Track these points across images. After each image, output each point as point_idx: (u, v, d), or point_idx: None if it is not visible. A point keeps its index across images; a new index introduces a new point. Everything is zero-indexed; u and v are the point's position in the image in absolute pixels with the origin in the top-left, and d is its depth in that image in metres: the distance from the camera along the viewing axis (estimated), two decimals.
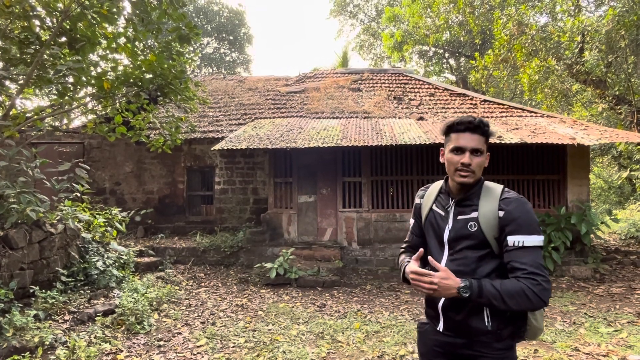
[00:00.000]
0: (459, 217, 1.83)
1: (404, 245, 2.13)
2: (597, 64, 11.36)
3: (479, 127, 1.78)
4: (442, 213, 1.89)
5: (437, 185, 2.01)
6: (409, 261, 1.87)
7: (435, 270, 1.70)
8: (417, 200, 2.07)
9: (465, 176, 1.78)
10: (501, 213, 1.73)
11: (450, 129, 1.83)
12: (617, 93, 11.58)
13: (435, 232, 1.90)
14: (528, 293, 1.60)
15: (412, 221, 2.10)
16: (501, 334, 1.76)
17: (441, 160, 1.91)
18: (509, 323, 1.77)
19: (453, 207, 1.86)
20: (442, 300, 1.81)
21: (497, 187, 1.83)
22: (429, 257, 1.74)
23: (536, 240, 1.68)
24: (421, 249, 1.84)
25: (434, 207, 1.94)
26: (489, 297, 1.64)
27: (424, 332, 1.96)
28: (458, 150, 1.79)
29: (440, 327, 1.86)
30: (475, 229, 1.77)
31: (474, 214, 1.79)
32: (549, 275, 7.69)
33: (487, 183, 1.86)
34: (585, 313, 5.63)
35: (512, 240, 1.69)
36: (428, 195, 2.01)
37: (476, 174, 1.79)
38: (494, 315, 1.74)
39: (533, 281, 1.62)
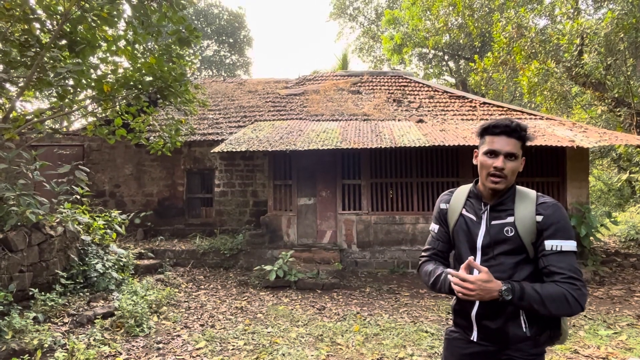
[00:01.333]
0: (494, 222, 1.78)
1: (426, 254, 2.00)
2: (596, 66, 11.39)
3: (516, 131, 1.73)
4: (474, 218, 1.84)
5: (464, 189, 1.94)
6: (445, 269, 1.82)
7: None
8: (442, 206, 1.97)
9: (497, 182, 1.73)
10: (539, 218, 1.70)
11: (486, 131, 1.79)
12: (616, 95, 11.60)
13: (467, 237, 1.84)
14: (568, 298, 1.59)
15: (435, 227, 1.99)
16: (539, 340, 1.74)
17: (474, 162, 1.87)
18: (545, 328, 1.75)
19: (487, 212, 1.81)
20: (475, 308, 1.77)
21: (531, 191, 1.81)
22: (470, 259, 1.67)
23: (572, 245, 1.67)
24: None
25: (464, 212, 1.87)
26: (529, 301, 1.60)
27: (453, 340, 1.91)
28: (492, 153, 1.74)
29: (474, 336, 1.80)
30: (512, 233, 1.73)
31: (510, 219, 1.75)
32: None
33: (520, 187, 1.83)
34: (584, 315, 5.63)
35: (550, 244, 1.67)
36: (455, 200, 1.93)
37: (508, 179, 1.74)
38: (531, 321, 1.72)
39: (573, 286, 1.61)
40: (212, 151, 8.20)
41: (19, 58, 6.43)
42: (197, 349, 4.51)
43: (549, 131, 8.27)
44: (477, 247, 1.79)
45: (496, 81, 15.86)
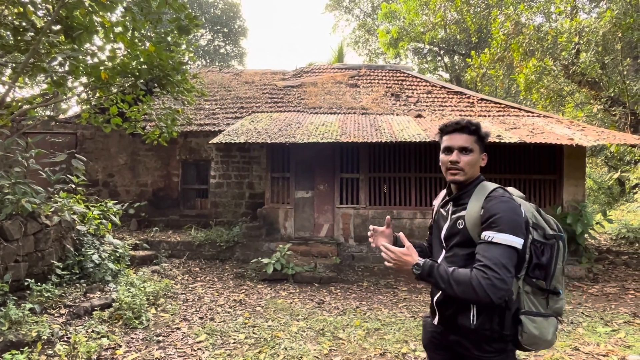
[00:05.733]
0: (453, 216, 1.90)
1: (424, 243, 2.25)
2: (593, 65, 11.44)
3: (467, 127, 1.87)
4: (444, 213, 1.98)
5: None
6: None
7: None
8: (434, 202, 2.18)
9: (455, 174, 1.86)
10: (482, 211, 1.75)
11: (442, 132, 1.95)
12: (611, 95, 11.67)
13: (437, 230, 1.99)
14: (474, 283, 1.60)
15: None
16: (485, 334, 1.76)
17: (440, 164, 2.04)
18: (492, 322, 1.75)
19: (450, 206, 1.94)
20: (437, 295, 1.91)
21: (490, 187, 1.83)
22: (400, 234, 1.95)
23: (505, 238, 1.65)
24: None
25: (439, 208, 2.05)
26: (437, 279, 1.69)
27: (425, 325, 2.08)
28: (447, 150, 1.89)
29: (436, 320, 1.97)
30: (462, 226, 1.82)
31: (462, 212, 1.84)
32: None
33: (484, 183, 1.88)
34: (582, 312, 5.68)
35: (484, 234, 1.70)
36: (439, 198, 2.12)
37: (466, 172, 1.85)
38: (479, 314, 1.76)
39: (483, 274, 1.60)
40: (210, 142, 8.09)
41: (12, 42, 6.25)
42: (198, 342, 4.45)
43: (548, 129, 8.30)
44: (441, 239, 1.94)
45: (492, 78, 15.88)
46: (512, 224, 1.68)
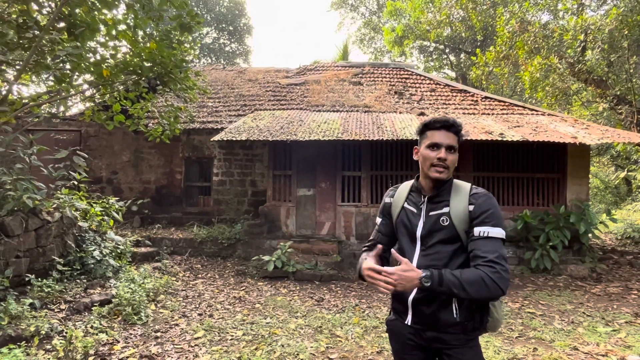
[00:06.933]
0: (431, 213, 1.88)
1: (367, 244, 2.12)
2: (599, 63, 11.32)
3: (454, 126, 1.88)
4: (415, 210, 1.95)
5: (408, 184, 2.07)
6: (366, 258, 1.90)
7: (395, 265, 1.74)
8: (386, 200, 2.10)
9: (441, 172, 1.85)
10: (471, 207, 1.80)
11: (427, 127, 1.92)
12: (617, 93, 11.55)
13: (408, 229, 1.94)
14: (486, 280, 1.64)
15: (379, 220, 2.13)
16: (467, 325, 1.82)
17: (415, 157, 1.98)
18: (474, 314, 1.83)
19: (425, 204, 1.92)
20: (413, 293, 1.86)
21: (466, 184, 1.91)
22: (392, 250, 1.81)
23: (499, 232, 1.75)
24: (380, 245, 1.93)
25: (406, 205, 1.99)
26: (449, 286, 1.66)
27: (395, 328, 2.00)
28: (434, 146, 1.86)
29: (409, 320, 1.90)
30: (447, 223, 1.83)
31: (445, 209, 1.85)
32: (547, 273, 7.64)
33: (456, 181, 1.94)
34: (583, 312, 5.64)
35: (478, 230, 1.76)
36: (399, 194, 2.06)
37: (449, 170, 1.87)
38: (461, 307, 1.81)
39: (492, 269, 1.66)
40: (211, 139, 8.11)
41: (16, 40, 6.29)
42: (196, 339, 4.47)
43: (551, 127, 8.23)
44: (416, 237, 1.90)
45: (497, 76, 15.78)
46: (500, 217, 1.80)
